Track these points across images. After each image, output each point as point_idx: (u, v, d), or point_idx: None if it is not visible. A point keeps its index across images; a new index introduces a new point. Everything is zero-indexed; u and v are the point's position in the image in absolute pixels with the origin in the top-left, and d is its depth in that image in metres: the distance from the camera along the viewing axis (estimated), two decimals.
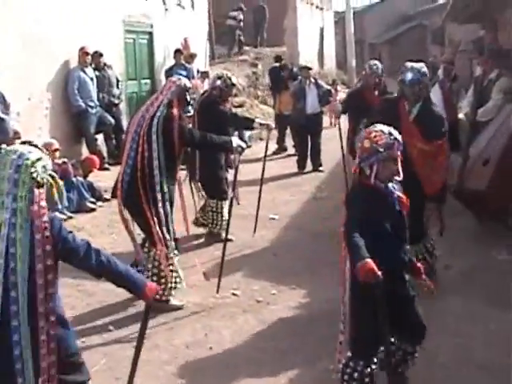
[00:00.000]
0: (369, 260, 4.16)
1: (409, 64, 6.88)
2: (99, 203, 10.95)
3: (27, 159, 3.75)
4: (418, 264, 4.90)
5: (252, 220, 9.55)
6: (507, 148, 8.67)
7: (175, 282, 6.88)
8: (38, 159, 3.80)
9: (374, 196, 4.59)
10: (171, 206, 6.83)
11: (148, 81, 15.92)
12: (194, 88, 15.47)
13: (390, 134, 4.56)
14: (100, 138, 13.23)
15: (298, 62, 22.19)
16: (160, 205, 6.62)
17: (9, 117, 8.15)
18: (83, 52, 12.57)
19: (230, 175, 9.30)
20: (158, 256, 6.70)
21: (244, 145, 7.25)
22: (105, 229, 9.78)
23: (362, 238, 4.37)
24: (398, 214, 4.68)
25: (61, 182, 4.02)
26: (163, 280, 6.75)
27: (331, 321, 6.39)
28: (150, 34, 15.83)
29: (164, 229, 6.64)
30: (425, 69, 6.77)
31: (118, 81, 13.71)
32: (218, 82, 8.93)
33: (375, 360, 4.76)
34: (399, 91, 6.91)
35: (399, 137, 4.59)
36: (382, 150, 4.50)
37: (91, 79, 12.72)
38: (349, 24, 27.88)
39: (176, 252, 6.88)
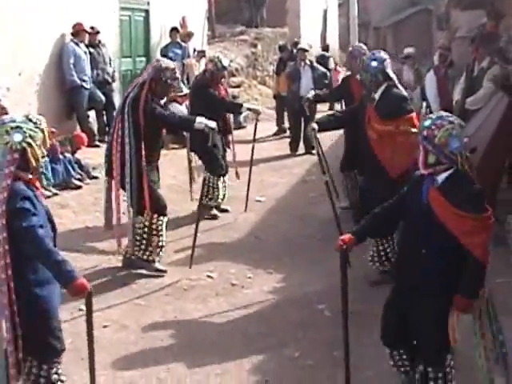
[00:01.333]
0: (348, 234, 4.50)
1: None
2: (87, 180, 10.88)
3: (4, 127, 4.15)
4: (466, 301, 4.24)
5: (239, 201, 9.55)
6: (495, 137, 8.56)
7: (160, 246, 7.23)
8: (14, 127, 4.14)
9: (417, 182, 4.46)
10: (140, 181, 7.03)
11: (143, 58, 15.72)
12: (188, 67, 15.47)
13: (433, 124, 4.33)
14: (92, 114, 13.12)
15: (301, 43, 21.92)
16: (127, 179, 6.99)
17: None
18: (80, 28, 12.44)
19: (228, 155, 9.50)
20: (144, 220, 7.12)
21: (212, 124, 7.18)
22: (89, 206, 9.72)
23: (376, 218, 4.66)
24: (423, 210, 4.31)
25: (39, 152, 4.24)
26: (145, 241, 7.17)
27: (302, 306, 6.42)
28: (147, 11, 15.62)
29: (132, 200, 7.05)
30: (379, 54, 6.93)
31: (110, 60, 13.55)
32: (210, 66, 8.95)
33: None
34: None
35: (421, 125, 4.42)
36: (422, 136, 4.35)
37: (85, 54, 12.60)
38: (353, 7, 27.61)
39: (161, 218, 7.19)
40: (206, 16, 19.75)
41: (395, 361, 4.70)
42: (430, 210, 4.24)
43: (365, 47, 8.95)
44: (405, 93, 6.98)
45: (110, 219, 7.30)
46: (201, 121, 7.11)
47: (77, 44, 12.36)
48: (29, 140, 4.16)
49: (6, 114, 8.46)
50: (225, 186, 9.43)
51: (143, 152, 6.94)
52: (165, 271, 7.30)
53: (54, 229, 4.43)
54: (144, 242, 7.18)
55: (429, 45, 32.24)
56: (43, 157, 4.32)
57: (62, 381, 4.49)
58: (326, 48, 22.79)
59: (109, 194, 7.32)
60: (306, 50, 14.63)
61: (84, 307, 6.14)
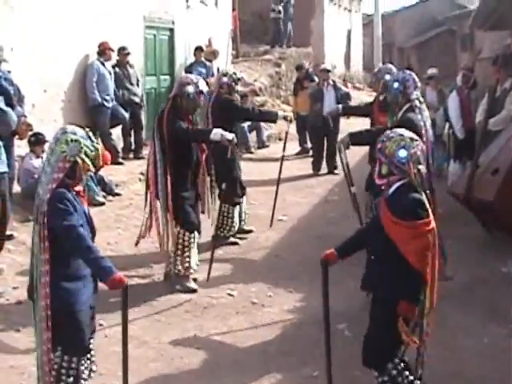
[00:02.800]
0: (331, 250, 4.93)
1: None
2: (109, 197, 10.96)
3: (65, 136, 4.51)
4: (402, 303, 4.46)
5: (260, 220, 9.61)
6: None
7: (188, 262, 7.34)
8: (74, 140, 4.50)
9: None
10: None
11: (167, 77, 15.87)
12: (213, 86, 15.53)
13: (385, 137, 4.61)
14: (116, 131, 13.20)
15: (324, 63, 21.98)
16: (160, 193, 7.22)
17: (16, 109, 8.18)
18: (105, 47, 12.57)
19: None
20: (177, 237, 7.28)
21: (229, 136, 7.21)
22: (111, 223, 9.80)
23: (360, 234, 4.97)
24: (376, 220, 4.63)
25: (88, 167, 4.59)
26: (174, 257, 7.31)
27: (322, 326, 6.34)
28: (171, 30, 15.80)
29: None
30: (402, 75, 7.04)
31: (137, 80, 13.64)
32: (225, 79, 8.86)
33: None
34: None
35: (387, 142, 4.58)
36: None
37: (109, 74, 12.72)
38: (376, 27, 27.77)
39: (188, 235, 7.30)
40: (230, 35, 19.90)
41: None
42: (379, 221, 4.49)
43: (393, 69, 8.77)
44: (418, 116, 6.82)
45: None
46: (216, 132, 7.17)
47: (102, 63, 12.49)
48: (83, 156, 4.51)
49: (31, 130, 8.56)
50: (240, 212, 9.21)
51: (168, 167, 7.13)
52: (195, 290, 7.36)
53: (92, 232, 4.79)
54: (175, 257, 7.30)
55: (453, 66, 32.19)
56: (89, 170, 4.65)
57: (86, 376, 4.82)
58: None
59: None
60: (329, 71, 14.67)
61: (104, 322, 6.30)
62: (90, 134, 4.67)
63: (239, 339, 6.24)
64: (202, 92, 7.33)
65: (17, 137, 8.94)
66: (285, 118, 9.17)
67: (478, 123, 9.99)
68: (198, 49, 15.91)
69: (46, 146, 9.80)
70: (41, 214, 4.45)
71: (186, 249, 7.29)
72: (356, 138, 7.31)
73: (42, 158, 9.69)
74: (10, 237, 8.47)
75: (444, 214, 8.99)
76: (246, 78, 18.49)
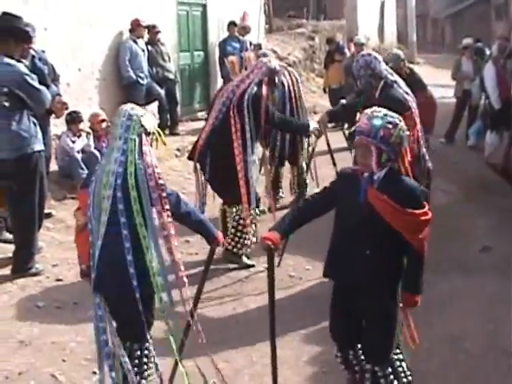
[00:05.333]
0: (271, 231, 4.51)
1: None
2: None
3: (138, 112, 4.42)
4: (414, 297, 4.28)
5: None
6: None
7: (249, 240, 7.39)
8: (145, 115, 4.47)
9: (351, 180, 4.33)
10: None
11: (201, 53, 15.89)
12: (247, 61, 15.47)
13: (367, 119, 4.14)
14: (150, 109, 13.22)
15: (358, 35, 21.79)
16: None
17: (51, 88, 8.21)
18: (138, 24, 12.58)
19: None
20: (241, 213, 7.23)
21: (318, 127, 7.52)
22: None
23: (303, 212, 4.77)
24: (363, 210, 4.18)
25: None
26: (239, 234, 7.33)
27: None
28: (204, 6, 15.79)
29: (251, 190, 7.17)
30: (362, 59, 6.81)
31: (169, 57, 13.66)
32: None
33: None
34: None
35: (371, 125, 4.11)
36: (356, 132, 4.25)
37: (142, 51, 12.75)
38: None
39: (257, 212, 7.42)
40: (262, 9, 19.78)
41: (348, 360, 4.61)
42: (372, 211, 4.14)
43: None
44: (398, 90, 6.69)
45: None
46: (314, 125, 7.53)
47: (135, 41, 12.51)
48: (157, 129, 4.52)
49: (67, 108, 8.61)
50: None
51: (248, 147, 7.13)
52: (253, 265, 7.45)
53: None
54: (238, 234, 7.33)
55: (488, 35, 31.79)
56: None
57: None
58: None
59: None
60: (363, 44, 14.54)
61: None
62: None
63: (277, 313, 6.20)
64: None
65: (53, 116, 9.01)
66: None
67: None
68: (232, 24, 15.84)
69: (82, 125, 9.89)
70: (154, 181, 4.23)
71: (251, 226, 7.34)
72: (333, 116, 7.60)
73: (78, 136, 9.77)
74: (49, 215, 8.57)
75: (481, 185, 8.98)
76: (280, 52, 18.46)
